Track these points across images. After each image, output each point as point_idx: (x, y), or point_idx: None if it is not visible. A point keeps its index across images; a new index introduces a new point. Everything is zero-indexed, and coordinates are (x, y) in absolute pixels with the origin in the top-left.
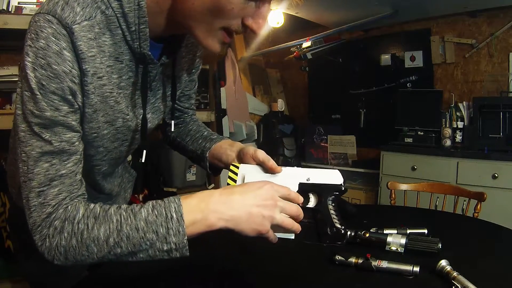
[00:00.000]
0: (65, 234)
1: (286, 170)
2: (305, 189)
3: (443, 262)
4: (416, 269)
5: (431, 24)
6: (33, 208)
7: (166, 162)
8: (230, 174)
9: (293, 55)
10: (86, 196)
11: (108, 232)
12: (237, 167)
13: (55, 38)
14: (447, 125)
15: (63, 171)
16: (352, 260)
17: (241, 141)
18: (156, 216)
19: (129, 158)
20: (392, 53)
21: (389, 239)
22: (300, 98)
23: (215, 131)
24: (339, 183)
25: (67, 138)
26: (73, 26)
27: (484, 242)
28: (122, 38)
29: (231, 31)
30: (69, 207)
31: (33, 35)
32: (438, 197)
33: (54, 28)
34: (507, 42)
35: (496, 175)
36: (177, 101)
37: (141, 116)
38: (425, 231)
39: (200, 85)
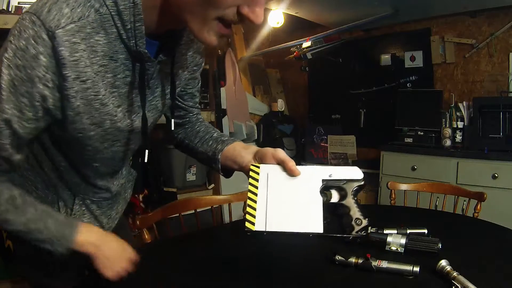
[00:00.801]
0: None
1: (308, 169)
2: (328, 185)
3: (443, 262)
4: (416, 269)
5: (431, 24)
6: None
7: (166, 162)
8: (252, 174)
9: (293, 55)
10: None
11: (18, 221)
12: (258, 167)
13: (35, 42)
14: (447, 125)
15: None
16: (352, 260)
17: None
18: (57, 230)
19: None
20: (392, 53)
21: (389, 239)
22: (300, 98)
23: None
24: (360, 178)
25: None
26: (56, 31)
27: (484, 242)
28: (117, 37)
29: (227, 21)
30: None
31: (16, 32)
32: (438, 197)
33: (35, 31)
34: (507, 42)
35: (496, 175)
36: (180, 100)
37: (138, 115)
38: (425, 231)
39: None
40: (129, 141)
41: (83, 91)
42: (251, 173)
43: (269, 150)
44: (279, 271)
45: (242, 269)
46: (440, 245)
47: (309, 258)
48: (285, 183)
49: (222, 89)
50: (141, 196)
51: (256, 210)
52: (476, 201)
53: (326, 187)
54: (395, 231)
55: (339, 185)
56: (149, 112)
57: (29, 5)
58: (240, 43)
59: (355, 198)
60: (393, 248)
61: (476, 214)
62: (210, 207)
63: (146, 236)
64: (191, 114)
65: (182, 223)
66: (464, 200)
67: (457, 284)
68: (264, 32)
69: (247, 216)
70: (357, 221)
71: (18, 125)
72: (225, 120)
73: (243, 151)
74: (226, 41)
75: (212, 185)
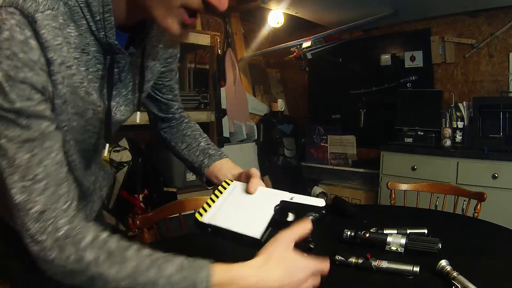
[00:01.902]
0: (66, 254)
1: (273, 191)
2: (286, 206)
3: (443, 262)
4: (416, 269)
5: (431, 24)
6: (19, 206)
7: (166, 162)
8: (220, 188)
9: (293, 55)
10: (77, 197)
11: (119, 276)
12: (229, 184)
13: (20, 28)
14: (447, 125)
15: (47, 162)
16: (352, 260)
17: (241, 141)
18: (182, 278)
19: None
20: (392, 53)
21: (389, 239)
22: (300, 98)
23: (215, 131)
24: (321, 205)
25: (44, 127)
26: (36, 15)
27: (484, 242)
28: (87, 29)
29: (192, 9)
30: (75, 223)
31: None
32: (438, 197)
33: (16, 20)
34: (507, 42)
35: (496, 175)
36: (159, 94)
37: (118, 109)
38: (425, 231)
39: (200, 85)
40: (102, 134)
41: (69, 78)
42: (219, 187)
43: (244, 171)
44: None
45: None
46: (440, 245)
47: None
48: (247, 197)
49: (222, 89)
50: (141, 196)
51: (211, 207)
52: (476, 201)
53: (285, 208)
54: (395, 231)
55: (297, 209)
56: (125, 106)
57: None
58: (240, 43)
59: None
60: (393, 248)
61: (476, 214)
62: None
63: (146, 236)
64: (172, 109)
65: (182, 223)
66: (464, 200)
67: (457, 284)
68: (264, 32)
69: (200, 209)
70: (304, 244)
71: (34, 109)
72: (225, 120)
73: (229, 172)
74: (225, 41)
75: (212, 186)
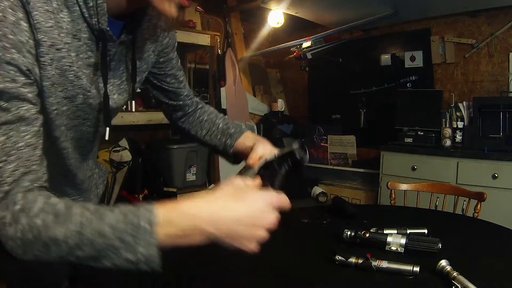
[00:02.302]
0: (20, 226)
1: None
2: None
3: (443, 262)
4: (416, 269)
5: (431, 24)
6: None
7: (166, 162)
8: None
9: (293, 55)
10: (46, 177)
11: (67, 233)
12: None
13: (12, 10)
14: (447, 125)
15: (21, 144)
16: (352, 260)
17: None
18: (125, 223)
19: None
20: (392, 53)
21: (389, 239)
22: (300, 98)
23: None
24: (296, 147)
25: (24, 110)
26: None
27: (484, 242)
28: (80, 15)
29: None
30: (29, 195)
31: None
32: (438, 197)
33: (11, 1)
34: (507, 42)
35: (496, 175)
36: (165, 83)
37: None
38: (425, 231)
39: (200, 85)
40: (98, 122)
41: (58, 60)
42: None
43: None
44: (279, 271)
45: (241, 269)
46: (440, 245)
47: (309, 258)
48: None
49: (222, 89)
50: (141, 196)
51: None
52: (476, 201)
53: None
54: (395, 231)
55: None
56: (118, 95)
57: None
58: (240, 43)
59: (286, 168)
60: (393, 248)
61: (476, 214)
62: None
63: None
64: (182, 96)
65: None
66: (464, 200)
67: (457, 284)
68: (264, 32)
69: None
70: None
71: (17, 90)
72: None
73: (250, 150)
74: (225, 41)
75: (212, 185)
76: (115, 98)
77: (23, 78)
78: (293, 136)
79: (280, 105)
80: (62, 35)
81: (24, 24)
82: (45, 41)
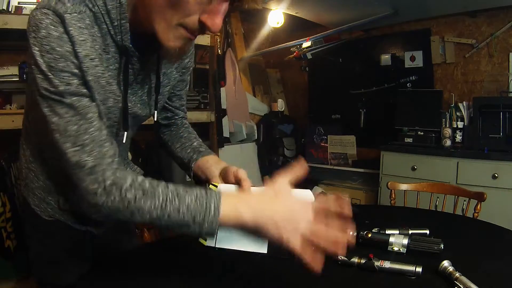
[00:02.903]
0: (112, 198)
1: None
2: None
3: (446, 263)
4: (419, 269)
5: (431, 24)
6: (74, 166)
7: (166, 162)
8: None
9: (293, 55)
10: (118, 151)
11: (153, 207)
12: (216, 186)
13: (54, 26)
14: (447, 125)
15: (91, 129)
16: (355, 260)
17: (241, 141)
18: (198, 205)
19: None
20: (392, 53)
21: (391, 239)
22: (300, 98)
23: (215, 131)
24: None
25: (85, 102)
26: (65, 15)
27: (485, 243)
28: (107, 32)
29: (189, 29)
30: (117, 172)
31: (34, 27)
32: (438, 197)
33: (51, 19)
34: (507, 42)
35: (496, 175)
36: (168, 102)
37: (134, 103)
38: (427, 231)
39: (200, 85)
40: (121, 127)
41: (93, 68)
42: (210, 186)
43: (232, 168)
44: (281, 271)
45: (243, 269)
46: (442, 246)
47: None
48: None
49: (222, 89)
50: None
51: None
52: (476, 201)
53: None
54: (397, 232)
55: None
56: (140, 105)
57: (29, 5)
58: (240, 43)
59: None
60: (396, 248)
61: (476, 214)
62: None
63: (146, 236)
64: (177, 117)
65: None
66: (464, 200)
67: (459, 285)
68: (264, 32)
69: None
70: None
71: (75, 90)
72: (225, 120)
73: (214, 166)
74: (225, 41)
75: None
76: (138, 107)
77: (76, 80)
78: (293, 136)
79: (280, 105)
80: (96, 47)
81: (65, 37)
82: (80, 52)
